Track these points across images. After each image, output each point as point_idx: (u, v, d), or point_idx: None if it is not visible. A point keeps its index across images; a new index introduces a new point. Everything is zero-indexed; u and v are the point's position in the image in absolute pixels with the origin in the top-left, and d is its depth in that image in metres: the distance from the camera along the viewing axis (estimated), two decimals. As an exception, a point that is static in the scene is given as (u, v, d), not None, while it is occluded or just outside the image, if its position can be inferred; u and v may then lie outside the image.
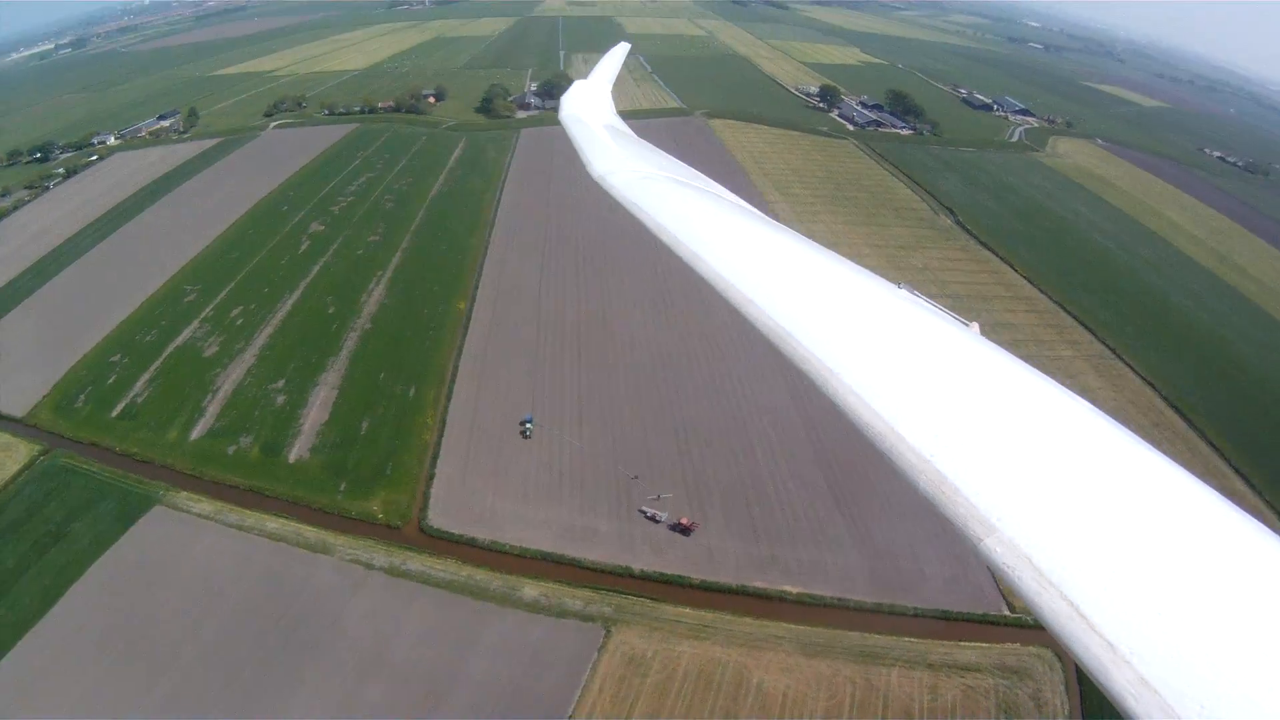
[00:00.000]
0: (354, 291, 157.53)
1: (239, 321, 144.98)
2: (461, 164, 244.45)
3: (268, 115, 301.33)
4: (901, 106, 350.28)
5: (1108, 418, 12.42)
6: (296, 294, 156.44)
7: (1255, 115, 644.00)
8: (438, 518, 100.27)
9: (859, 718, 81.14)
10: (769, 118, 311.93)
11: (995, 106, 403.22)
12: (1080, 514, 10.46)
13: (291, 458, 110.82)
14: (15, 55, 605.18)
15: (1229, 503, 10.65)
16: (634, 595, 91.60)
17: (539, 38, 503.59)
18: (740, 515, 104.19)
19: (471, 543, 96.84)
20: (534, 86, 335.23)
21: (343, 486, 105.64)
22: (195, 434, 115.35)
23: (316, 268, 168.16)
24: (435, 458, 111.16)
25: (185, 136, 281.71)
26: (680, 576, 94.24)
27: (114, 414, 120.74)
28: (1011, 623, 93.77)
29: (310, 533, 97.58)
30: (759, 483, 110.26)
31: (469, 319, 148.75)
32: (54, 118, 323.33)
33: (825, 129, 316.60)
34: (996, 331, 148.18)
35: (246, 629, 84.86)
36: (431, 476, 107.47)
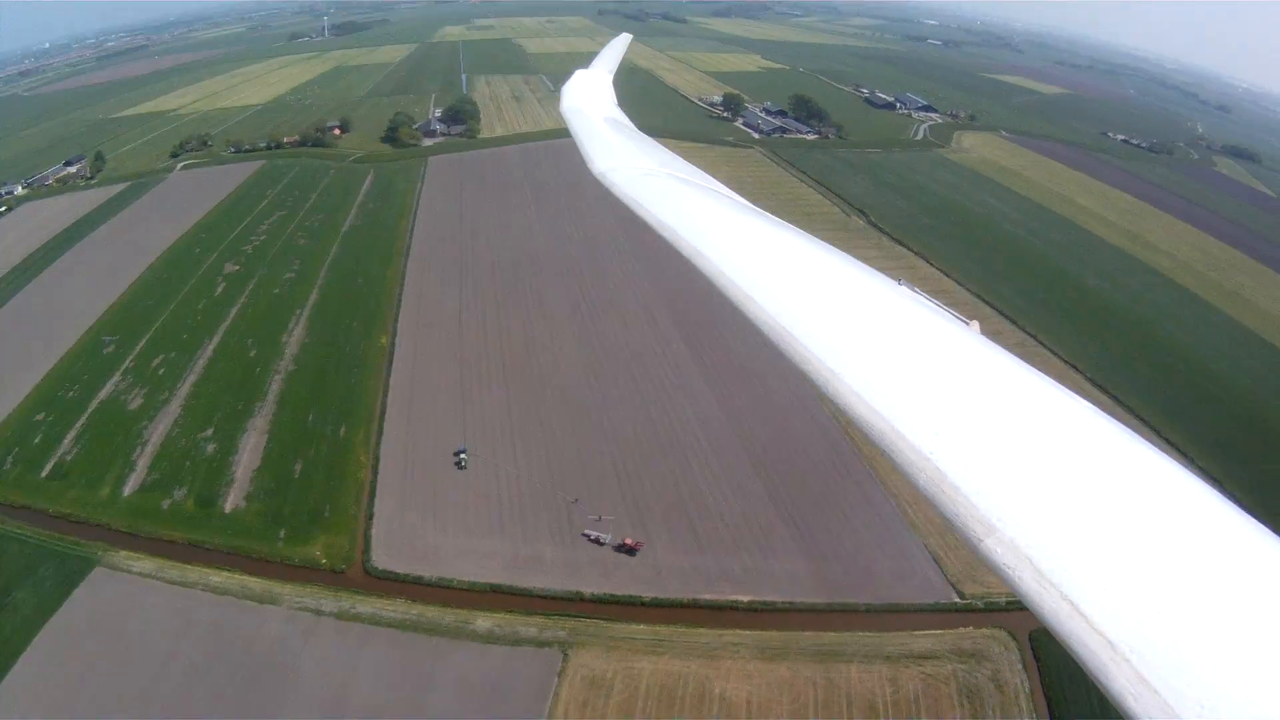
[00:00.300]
0: (274, 332, 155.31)
1: (161, 371, 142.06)
2: (372, 196, 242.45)
3: (174, 156, 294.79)
4: (805, 111, 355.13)
5: (1108, 417, 12.44)
6: (216, 338, 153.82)
7: (1156, 96, 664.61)
8: (381, 558, 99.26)
9: (825, 718, 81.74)
10: (674, 131, 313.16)
11: (898, 104, 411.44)
12: (1080, 514, 10.44)
13: (227, 508, 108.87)
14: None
15: (1229, 503, 10.66)
16: (587, 618, 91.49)
17: (440, 63, 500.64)
18: (683, 530, 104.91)
19: (419, 580, 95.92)
20: (438, 113, 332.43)
21: (282, 533, 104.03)
22: (128, 490, 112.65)
23: (234, 310, 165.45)
24: (372, 496, 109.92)
25: (93, 182, 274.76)
26: (631, 596, 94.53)
27: (44, 474, 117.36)
28: (963, 608, 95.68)
29: (255, 583, 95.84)
30: (698, 495, 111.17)
31: (392, 353, 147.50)
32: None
33: (731, 139, 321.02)
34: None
35: (202, 688, 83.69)
36: (370, 516, 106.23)
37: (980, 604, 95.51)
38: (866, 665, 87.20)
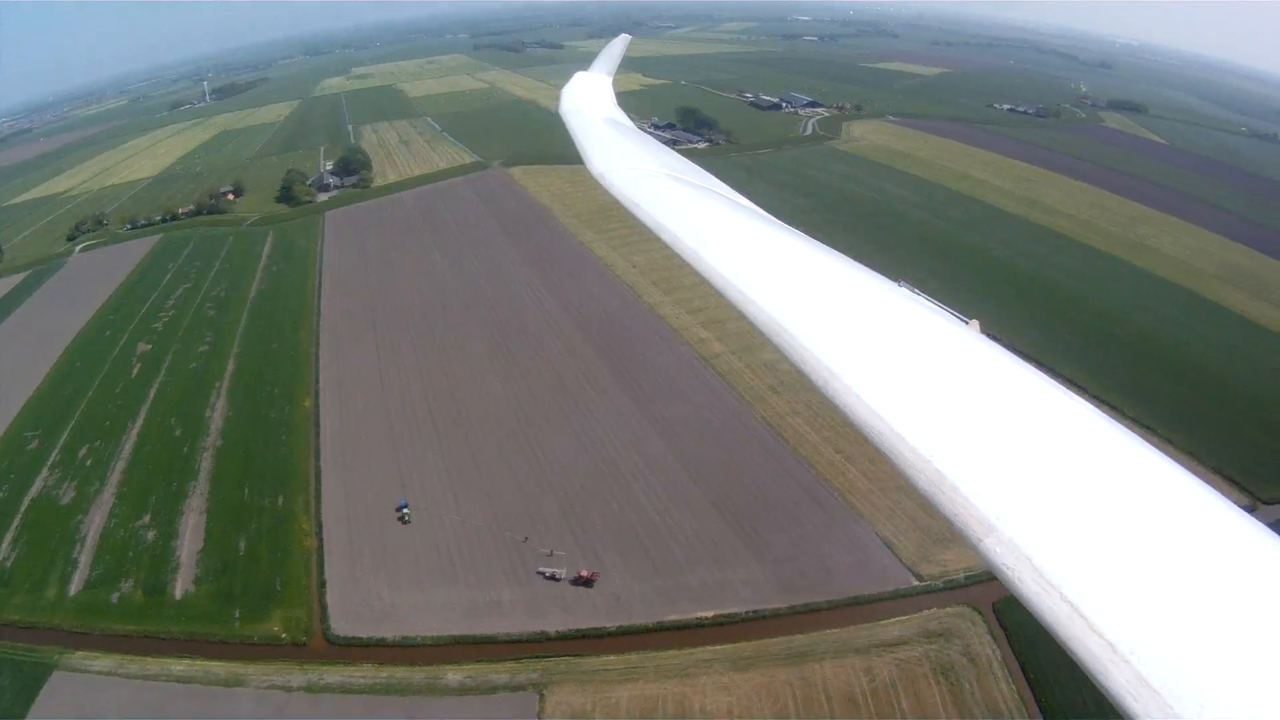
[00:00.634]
0: (196, 408, 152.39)
1: (89, 461, 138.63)
2: (274, 258, 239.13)
3: (71, 239, 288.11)
4: (694, 121, 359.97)
5: (1107, 418, 12.66)
6: (139, 421, 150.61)
7: (1037, 63, 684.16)
8: (341, 624, 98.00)
9: (806, 715, 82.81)
10: (565, 156, 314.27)
11: (784, 104, 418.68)
12: (1080, 514, 10.55)
13: (177, 594, 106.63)
14: None
15: (1229, 503, 10.82)
16: (556, 656, 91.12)
17: (325, 116, 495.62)
18: (636, 554, 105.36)
19: (382, 642, 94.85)
20: (330, 166, 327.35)
21: (237, 613, 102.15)
22: (74, 588, 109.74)
23: (153, 390, 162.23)
24: (321, 563, 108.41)
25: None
26: (596, 628, 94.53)
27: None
28: (923, 591, 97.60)
29: (218, 667, 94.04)
30: (645, 517, 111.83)
31: (318, 414, 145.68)
32: None
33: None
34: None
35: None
36: (323, 583, 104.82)
37: (940, 584, 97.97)
38: (839, 660, 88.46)
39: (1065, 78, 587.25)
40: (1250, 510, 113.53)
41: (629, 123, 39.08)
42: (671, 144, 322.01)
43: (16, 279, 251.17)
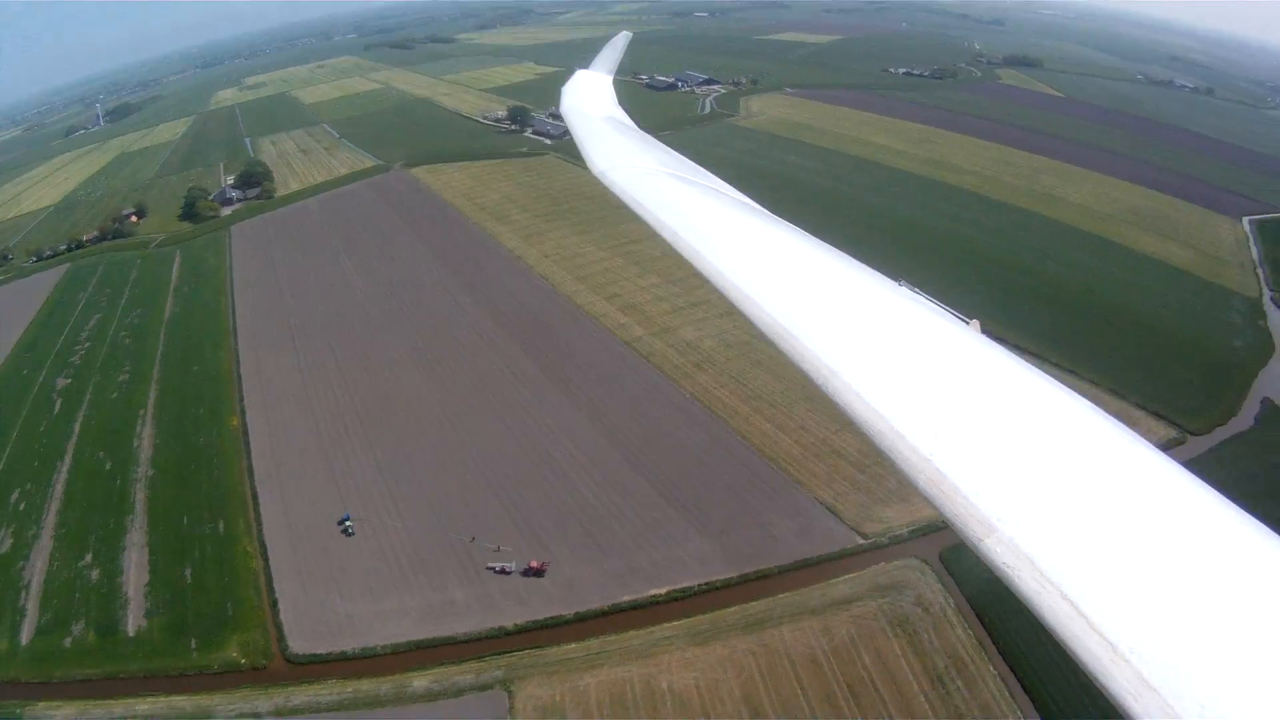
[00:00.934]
0: (124, 439, 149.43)
1: (22, 506, 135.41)
2: (184, 279, 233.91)
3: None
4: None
5: (1108, 417, 12.67)
6: (68, 459, 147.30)
7: (928, 24, 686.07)
8: (299, 643, 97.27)
9: (771, 681, 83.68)
10: (467, 151, 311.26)
11: (679, 83, 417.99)
12: (1080, 514, 10.59)
13: (130, 631, 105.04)
14: None
15: (1229, 502, 10.75)
16: (518, 651, 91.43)
17: (221, 130, 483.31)
18: (582, 540, 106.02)
19: (343, 656, 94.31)
20: (231, 180, 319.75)
21: (193, 643, 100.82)
22: (25, 638, 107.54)
23: (77, 426, 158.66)
24: (270, 584, 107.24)
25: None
26: (553, 618, 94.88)
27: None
28: (869, 548, 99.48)
29: (183, 701, 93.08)
30: (585, 504, 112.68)
31: (247, 434, 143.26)
32: None
33: (525, 149, 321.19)
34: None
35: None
36: (275, 603, 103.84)
37: (885, 540, 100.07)
38: (796, 624, 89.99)
39: (959, 37, 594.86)
40: (1179, 445, 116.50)
41: (630, 122, 38.95)
42: (569, 134, 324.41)
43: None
